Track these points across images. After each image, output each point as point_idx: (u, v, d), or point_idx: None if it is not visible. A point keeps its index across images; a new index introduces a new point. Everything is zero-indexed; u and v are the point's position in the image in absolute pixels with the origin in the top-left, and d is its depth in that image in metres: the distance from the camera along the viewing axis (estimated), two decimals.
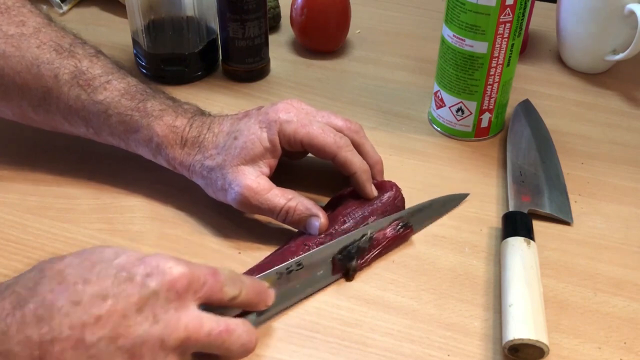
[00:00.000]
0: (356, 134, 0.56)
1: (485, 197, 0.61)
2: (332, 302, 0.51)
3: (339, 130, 0.55)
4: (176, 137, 0.55)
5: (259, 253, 0.54)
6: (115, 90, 0.56)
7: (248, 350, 0.43)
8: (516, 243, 0.53)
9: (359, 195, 0.56)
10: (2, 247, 0.54)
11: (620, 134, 0.69)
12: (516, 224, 0.55)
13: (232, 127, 0.55)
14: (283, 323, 0.50)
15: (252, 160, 0.53)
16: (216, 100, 0.71)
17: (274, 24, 0.83)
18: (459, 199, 0.59)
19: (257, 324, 0.47)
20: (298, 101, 0.56)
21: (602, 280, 0.53)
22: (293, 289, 0.50)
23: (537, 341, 0.45)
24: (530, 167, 0.62)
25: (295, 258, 0.50)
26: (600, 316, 0.51)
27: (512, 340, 0.46)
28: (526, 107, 0.70)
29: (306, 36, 0.78)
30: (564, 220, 0.58)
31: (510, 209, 0.58)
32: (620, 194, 0.62)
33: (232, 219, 0.57)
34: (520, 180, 0.61)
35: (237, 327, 0.42)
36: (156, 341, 0.38)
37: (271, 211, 0.53)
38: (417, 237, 0.57)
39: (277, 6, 0.83)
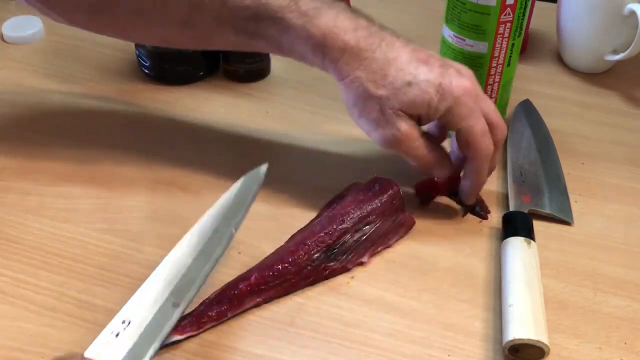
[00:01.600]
0: (502, 137, 0.55)
1: (486, 197, 0.60)
2: (332, 302, 0.51)
3: (489, 126, 0.53)
4: (335, 39, 0.51)
5: (259, 253, 0.54)
6: None
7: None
8: (516, 243, 0.53)
9: (358, 195, 0.56)
10: (2, 247, 0.54)
11: (620, 134, 0.69)
12: (516, 224, 0.55)
13: (409, 67, 0.51)
14: (283, 323, 0.50)
15: (411, 113, 0.52)
16: (216, 100, 0.71)
17: None
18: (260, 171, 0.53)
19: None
20: (473, 77, 0.53)
21: (602, 280, 0.53)
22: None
23: (538, 341, 0.45)
24: (530, 167, 0.62)
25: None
26: (600, 316, 0.51)
27: (512, 341, 0.46)
28: (526, 107, 0.70)
29: None
30: (564, 220, 0.58)
31: (511, 209, 0.58)
32: (620, 194, 0.62)
33: None
34: (521, 180, 0.61)
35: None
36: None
37: (412, 157, 0.54)
38: (417, 237, 0.56)
39: None
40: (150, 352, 0.43)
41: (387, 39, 0.52)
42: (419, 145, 0.53)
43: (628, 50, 0.72)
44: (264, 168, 0.52)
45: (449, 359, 0.48)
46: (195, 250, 0.48)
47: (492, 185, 0.62)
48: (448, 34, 0.63)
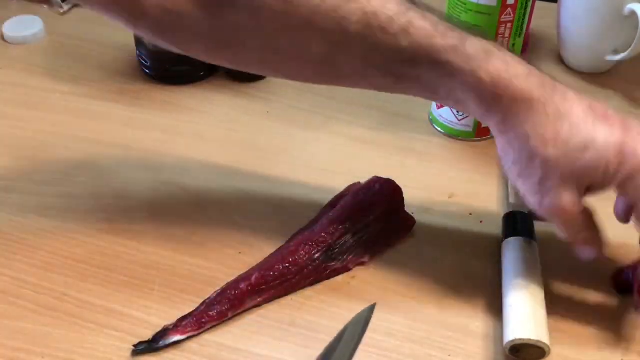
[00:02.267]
0: None
1: (486, 197, 0.60)
2: (333, 302, 0.51)
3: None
4: (507, 89, 0.44)
5: (259, 253, 0.54)
6: (421, 30, 0.44)
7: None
8: (517, 243, 0.53)
9: (358, 195, 0.56)
10: (2, 247, 0.54)
11: None
12: (517, 224, 0.55)
13: (586, 126, 0.44)
14: (284, 323, 0.50)
15: (582, 183, 0.45)
16: (217, 100, 0.71)
17: None
18: (368, 311, 0.50)
19: None
20: None
21: (602, 280, 0.53)
22: None
23: (538, 341, 0.45)
24: None
25: None
26: (600, 316, 0.51)
27: (512, 341, 0.46)
28: None
29: None
30: None
31: (511, 209, 0.57)
32: None
33: (233, 219, 0.57)
34: None
35: None
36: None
37: (565, 231, 0.48)
38: (417, 237, 0.56)
39: None
40: None
41: (560, 89, 0.45)
42: (577, 223, 0.46)
43: (628, 51, 0.72)
44: (371, 311, 0.49)
45: (449, 359, 0.48)
46: None
47: (492, 185, 0.62)
48: None
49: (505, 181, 0.62)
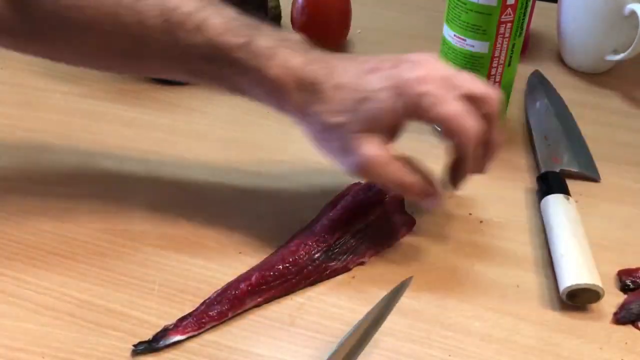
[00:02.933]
0: (492, 109, 0.49)
1: (486, 197, 0.61)
2: (333, 302, 0.51)
3: (477, 99, 0.48)
4: (289, 79, 0.48)
5: (260, 253, 0.54)
6: (214, 29, 0.47)
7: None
8: (557, 199, 0.57)
9: (358, 195, 0.56)
10: (2, 247, 0.54)
11: (621, 134, 0.69)
12: (553, 182, 0.59)
13: (359, 83, 0.48)
14: (284, 323, 0.50)
15: (376, 129, 0.48)
16: (217, 100, 0.71)
17: (275, 24, 0.83)
18: (406, 285, 0.51)
19: None
20: (434, 60, 0.49)
21: (603, 281, 0.53)
22: None
23: (594, 285, 0.49)
24: (553, 132, 0.66)
25: None
26: (600, 316, 0.51)
27: (570, 287, 0.49)
28: (539, 77, 0.74)
29: (307, 36, 0.78)
30: (591, 177, 0.63)
31: (543, 171, 0.61)
32: (620, 194, 0.62)
33: (233, 219, 0.57)
34: (547, 144, 0.64)
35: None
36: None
37: (389, 184, 0.49)
38: (417, 237, 0.56)
39: (278, 6, 0.83)
40: None
41: (338, 65, 0.49)
42: (393, 170, 0.48)
43: (628, 51, 0.72)
44: (408, 282, 0.50)
45: (449, 359, 0.48)
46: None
47: (492, 186, 0.62)
48: (448, 34, 0.63)
49: (505, 182, 0.62)
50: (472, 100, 0.48)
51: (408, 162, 0.49)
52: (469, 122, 0.47)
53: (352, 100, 0.47)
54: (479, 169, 0.52)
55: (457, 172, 0.52)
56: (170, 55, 0.49)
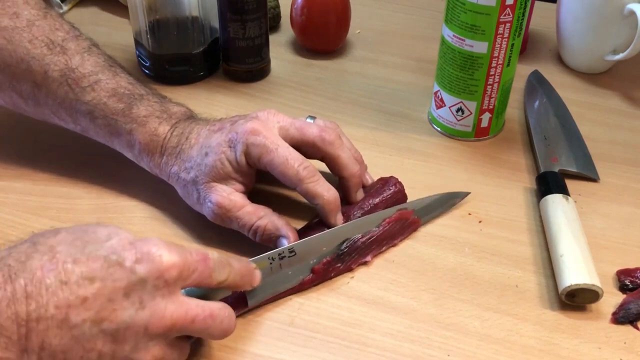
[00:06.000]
0: (330, 145, 0.54)
1: (486, 197, 0.61)
2: (332, 302, 0.51)
3: (311, 143, 0.54)
4: (156, 145, 0.55)
5: (259, 253, 0.53)
6: (103, 91, 0.56)
7: (227, 333, 0.44)
8: (556, 199, 0.57)
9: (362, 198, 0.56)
10: (2, 247, 0.54)
11: (620, 134, 0.69)
12: (552, 182, 0.59)
13: (205, 141, 0.54)
14: (284, 323, 0.50)
15: (222, 178, 0.53)
16: (216, 100, 0.71)
17: (274, 24, 0.83)
18: (461, 196, 0.59)
19: (250, 305, 0.49)
20: (273, 114, 0.54)
21: (602, 280, 0.53)
22: (285, 275, 0.50)
23: (593, 285, 0.49)
24: (552, 131, 0.66)
25: (288, 245, 0.51)
26: (599, 316, 0.51)
27: (569, 287, 0.50)
28: (537, 77, 0.74)
29: (306, 36, 0.78)
30: (590, 177, 0.63)
31: (542, 171, 0.61)
32: (619, 194, 0.62)
33: None
34: (546, 144, 0.64)
35: (220, 313, 0.43)
36: (140, 327, 0.39)
37: (242, 228, 0.53)
38: (417, 237, 0.57)
39: (277, 6, 0.83)
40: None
41: (193, 129, 0.55)
42: (242, 214, 0.52)
43: (628, 50, 0.72)
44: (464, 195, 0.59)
45: (448, 359, 0.48)
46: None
47: (492, 185, 0.62)
48: (448, 34, 0.63)
49: (505, 181, 0.62)
50: (309, 145, 0.54)
51: (259, 207, 0.53)
52: (293, 167, 0.52)
53: (199, 155, 0.53)
54: (359, 184, 0.56)
55: (319, 210, 0.54)
56: (62, 106, 0.56)
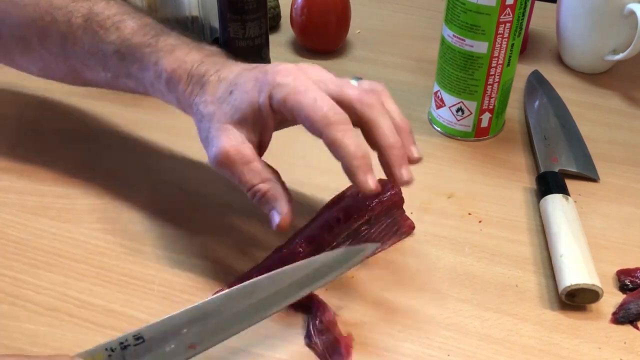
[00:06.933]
0: (368, 108, 0.46)
1: (486, 197, 0.61)
2: (332, 302, 0.51)
3: (348, 102, 0.46)
4: (183, 72, 0.50)
5: (260, 253, 0.54)
6: (128, 28, 0.52)
7: None
8: (556, 199, 0.57)
9: (358, 195, 0.56)
10: (2, 247, 0.54)
11: (620, 134, 0.69)
12: (552, 182, 0.59)
13: (235, 79, 0.48)
14: (284, 323, 0.50)
15: (241, 122, 0.47)
16: None
17: (274, 24, 0.83)
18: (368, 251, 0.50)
19: None
20: (314, 68, 0.48)
21: (602, 280, 0.53)
22: None
23: (593, 285, 0.49)
24: (552, 131, 0.66)
25: (133, 330, 0.40)
26: (599, 316, 0.51)
27: (569, 287, 0.50)
28: (537, 77, 0.75)
29: (306, 36, 0.78)
30: (590, 177, 0.63)
31: (542, 171, 0.61)
32: (619, 194, 0.62)
33: (233, 219, 0.57)
34: (546, 144, 0.64)
35: None
36: None
37: (240, 184, 0.48)
38: (417, 237, 0.57)
39: (277, 6, 0.83)
40: None
41: (227, 64, 0.50)
42: (246, 170, 0.47)
43: (628, 50, 0.72)
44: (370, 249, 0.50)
45: (448, 359, 0.48)
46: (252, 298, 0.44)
47: (492, 185, 0.62)
48: (448, 34, 0.63)
49: (505, 181, 0.62)
50: (346, 106, 0.46)
51: (266, 167, 0.48)
52: (322, 109, 0.44)
53: (224, 91, 0.48)
54: (401, 158, 0.47)
55: (344, 167, 0.46)
56: (90, 53, 0.53)
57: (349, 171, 0.45)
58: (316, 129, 0.45)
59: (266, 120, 0.47)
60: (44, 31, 0.54)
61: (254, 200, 0.48)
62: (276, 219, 0.47)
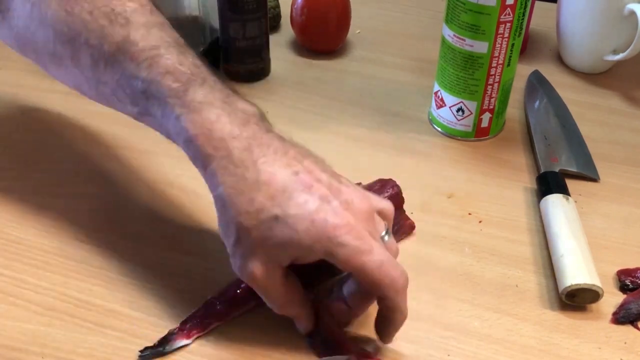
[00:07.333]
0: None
1: (486, 197, 0.61)
2: None
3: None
4: (206, 146, 0.44)
5: None
6: (161, 67, 0.46)
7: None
8: (556, 199, 0.57)
9: None
10: (2, 247, 0.54)
11: (620, 134, 0.69)
12: (552, 182, 0.59)
13: (282, 197, 0.42)
14: (284, 323, 0.50)
15: (278, 256, 0.43)
16: None
17: (274, 24, 0.83)
18: None
19: None
20: (362, 203, 0.44)
21: (602, 280, 0.53)
22: None
23: (593, 285, 0.49)
24: (552, 131, 0.67)
25: None
26: (599, 316, 0.51)
27: (569, 287, 0.50)
28: (538, 77, 0.75)
29: (306, 36, 0.78)
30: (590, 177, 0.63)
31: (542, 171, 0.61)
32: (620, 194, 0.62)
33: None
34: (547, 144, 0.64)
35: None
36: None
37: (265, 300, 0.46)
38: (417, 237, 0.56)
39: (277, 6, 0.83)
40: None
41: (269, 153, 0.44)
42: (273, 292, 0.45)
43: (628, 50, 0.72)
44: None
45: (448, 358, 0.48)
46: None
47: (492, 185, 0.62)
48: (448, 34, 0.63)
49: (505, 181, 0.62)
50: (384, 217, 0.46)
51: (295, 291, 0.46)
52: (392, 272, 0.43)
53: (266, 211, 0.42)
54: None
55: (387, 324, 0.46)
56: (119, 84, 0.48)
57: (391, 326, 0.46)
58: (380, 292, 0.43)
59: (312, 260, 0.44)
60: (75, 54, 0.49)
61: (279, 312, 0.47)
62: (301, 329, 0.48)
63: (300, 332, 0.48)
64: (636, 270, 0.53)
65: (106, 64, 0.48)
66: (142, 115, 0.48)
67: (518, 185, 0.62)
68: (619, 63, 0.76)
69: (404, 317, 0.45)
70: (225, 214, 0.43)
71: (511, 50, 0.62)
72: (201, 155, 0.44)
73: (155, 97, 0.46)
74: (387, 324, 0.46)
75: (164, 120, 0.46)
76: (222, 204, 0.44)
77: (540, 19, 0.83)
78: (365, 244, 0.42)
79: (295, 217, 0.42)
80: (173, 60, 0.46)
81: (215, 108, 0.44)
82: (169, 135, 0.47)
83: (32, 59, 0.55)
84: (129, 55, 0.47)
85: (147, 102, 0.47)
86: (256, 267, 0.43)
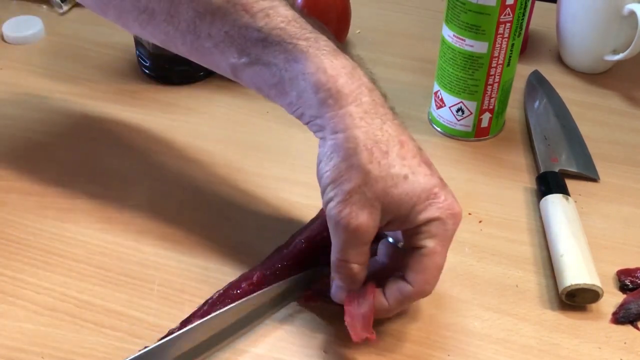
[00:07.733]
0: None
1: (486, 197, 0.61)
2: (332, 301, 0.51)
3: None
4: (349, 85, 0.44)
5: (259, 253, 0.53)
6: (280, 17, 0.46)
7: None
8: (556, 199, 0.57)
9: None
10: (2, 247, 0.54)
11: (620, 134, 0.69)
12: (552, 182, 0.59)
13: (413, 161, 0.44)
14: (284, 323, 0.50)
15: (387, 209, 0.44)
16: (216, 100, 0.71)
17: None
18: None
19: None
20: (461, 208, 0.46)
21: (602, 280, 0.53)
22: None
23: (593, 285, 0.50)
24: (552, 131, 0.67)
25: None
26: (599, 316, 0.51)
27: (569, 286, 0.50)
28: (537, 77, 0.74)
29: None
30: (590, 177, 0.63)
31: (542, 171, 0.61)
32: (620, 194, 0.62)
33: (233, 219, 0.57)
34: (546, 144, 0.64)
35: None
36: None
37: (339, 252, 0.45)
38: None
39: None
40: None
41: (398, 122, 0.46)
42: (361, 247, 0.45)
43: (628, 50, 0.72)
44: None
45: (448, 358, 0.48)
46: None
47: (491, 186, 0.62)
48: (448, 34, 0.63)
49: (505, 181, 0.62)
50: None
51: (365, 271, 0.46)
52: (437, 277, 0.46)
53: (397, 167, 0.44)
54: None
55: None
56: (229, 35, 0.47)
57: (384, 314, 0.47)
58: (415, 293, 0.46)
59: (402, 226, 0.45)
60: (175, 8, 0.48)
61: (337, 270, 0.46)
62: (338, 295, 0.47)
63: (336, 298, 0.47)
64: (636, 270, 0.53)
65: (214, 16, 0.47)
66: (249, 66, 0.47)
67: (518, 185, 0.62)
68: (619, 63, 0.76)
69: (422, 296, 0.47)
70: (352, 158, 0.43)
71: (511, 50, 0.62)
72: (338, 95, 0.44)
73: (278, 43, 0.45)
74: (390, 309, 0.47)
75: (288, 64, 0.45)
76: (354, 146, 0.43)
77: (540, 19, 0.83)
78: (449, 241, 0.46)
79: (422, 183, 0.44)
80: (292, 11, 0.46)
81: (347, 60, 0.45)
82: (282, 81, 0.46)
83: (110, 18, 0.52)
84: (240, 7, 0.46)
85: (263, 50, 0.46)
86: (367, 218, 0.43)
